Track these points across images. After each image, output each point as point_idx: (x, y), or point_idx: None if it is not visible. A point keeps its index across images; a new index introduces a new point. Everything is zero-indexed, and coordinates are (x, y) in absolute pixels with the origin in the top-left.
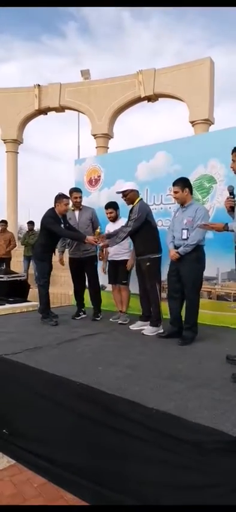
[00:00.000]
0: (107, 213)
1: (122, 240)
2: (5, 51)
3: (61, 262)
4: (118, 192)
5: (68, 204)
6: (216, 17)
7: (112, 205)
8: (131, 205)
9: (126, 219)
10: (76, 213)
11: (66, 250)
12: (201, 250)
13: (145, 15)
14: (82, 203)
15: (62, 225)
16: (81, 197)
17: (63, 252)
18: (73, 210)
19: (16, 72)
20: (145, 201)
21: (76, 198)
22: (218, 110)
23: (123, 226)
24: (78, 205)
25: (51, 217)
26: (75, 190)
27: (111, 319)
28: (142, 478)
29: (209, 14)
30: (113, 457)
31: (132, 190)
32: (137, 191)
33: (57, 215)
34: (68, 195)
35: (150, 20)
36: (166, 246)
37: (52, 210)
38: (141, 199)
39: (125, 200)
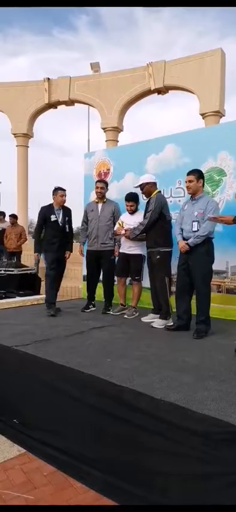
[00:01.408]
0: (127, 205)
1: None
2: (15, 45)
3: (81, 253)
4: (135, 187)
5: (63, 195)
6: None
7: (133, 198)
8: (148, 198)
9: (143, 212)
10: (100, 205)
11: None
12: (210, 243)
13: (157, 8)
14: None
15: (55, 217)
16: (103, 188)
17: (83, 243)
18: (96, 202)
19: (26, 66)
20: None
21: (97, 188)
22: (231, 102)
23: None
24: (99, 197)
25: (39, 212)
26: (98, 181)
27: (111, 312)
28: (150, 467)
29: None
30: (121, 446)
31: (147, 183)
32: (154, 183)
33: (49, 209)
34: (63, 188)
35: (162, 11)
36: (175, 239)
37: (49, 204)
38: (159, 191)
39: (142, 193)
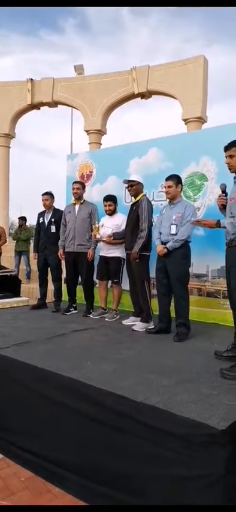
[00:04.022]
0: (106, 205)
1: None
2: (1, 46)
3: (61, 255)
4: (125, 181)
5: (46, 199)
6: (214, 15)
7: (111, 198)
8: (133, 199)
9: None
10: (77, 206)
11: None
12: (187, 247)
13: (145, 12)
14: None
15: (42, 219)
16: (78, 188)
17: (63, 245)
18: (74, 204)
19: (12, 67)
20: None
21: (73, 189)
22: (215, 108)
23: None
24: (76, 197)
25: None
26: (74, 182)
27: (91, 316)
28: (129, 470)
29: (207, 11)
30: (100, 450)
31: (139, 183)
32: (142, 185)
33: (41, 213)
34: (47, 192)
35: (149, 17)
36: (153, 243)
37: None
38: (145, 194)
39: (130, 191)
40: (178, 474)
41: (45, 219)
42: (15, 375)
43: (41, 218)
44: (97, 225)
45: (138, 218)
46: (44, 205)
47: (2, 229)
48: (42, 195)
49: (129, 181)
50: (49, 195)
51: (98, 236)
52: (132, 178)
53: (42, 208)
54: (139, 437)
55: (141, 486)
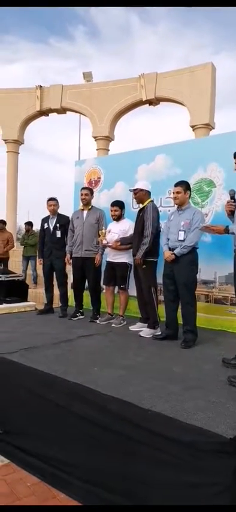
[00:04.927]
0: (112, 210)
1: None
2: (11, 52)
3: (68, 261)
4: (131, 190)
5: (51, 205)
6: (222, 21)
7: (118, 204)
8: (141, 205)
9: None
10: (85, 212)
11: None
12: (195, 253)
13: (154, 20)
14: None
15: (47, 225)
16: (87, 194)
17: (70, 251)
18: (82, 210)
19: (22, 74)
20: None
21: (82, 195)
22: (223, 115)
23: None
24: (84, 203)
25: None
26: (82, 188)
27: (97, 321)
28: (135, 477)
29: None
30: (107, 457)
31: (141, 190)
32: (148, 192)
33: (45, 218)
34: (53, 198)
35: (158, 25)
36: (161, 249)
37: (48, 214)
38: (152, 201)
39: (134, 198)
40: (185, 482)
41: (50, 225)
42: (22, 380)
43: (46, 224)
44: (103, 231)
45: (144, 224)
46: (51, 210)
47: (9, 234)
48: (49, 200)
49: (133, 189)
50: (55, 201)
51: (104, 242)
52: (136, 185)
53: (47, 214)
54: (145, 445)
55: (148, 493)
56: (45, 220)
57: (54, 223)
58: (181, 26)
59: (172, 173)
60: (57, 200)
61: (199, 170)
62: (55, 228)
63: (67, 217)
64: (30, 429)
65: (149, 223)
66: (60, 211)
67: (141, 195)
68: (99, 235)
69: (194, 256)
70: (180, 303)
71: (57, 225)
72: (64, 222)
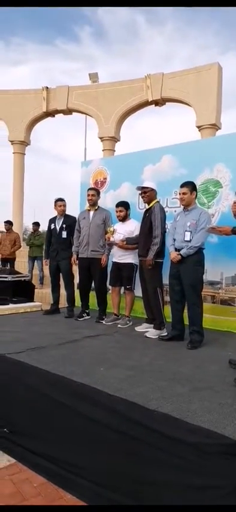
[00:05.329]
0: (117, 211)
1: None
2: (18, 54)
3: (74, 261)
4: (138, 188)
5: (60, 205)
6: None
7: (123, 204)
8: (147, 205)
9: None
10: (91, 213)
11: None
12: (201, 254)
13: (160, 20)
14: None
15: (54, 225)
16: (93, 195)
17: (77, 252)
18: (88, 210)
19: (29, 75)
20: None
21: (88, 195)
22: (230, 115)
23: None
24: (91, 204)
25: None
26: (89, 189)
27: (103, 322)
28: (142, 478)
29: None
30: (113, 457)
31: (152, 190)
32: (156, 192)
33: (52, 219)
34: (62, 199)
35: (165, 25)
36: (167, 250)
37: (55, 215)
38: (158, 201)
39: (143, 197)
40: (191, 483)
41: (57, 225)
42: (28, 380)
43: (53, 224)
44: (112, 228)
45: (151, 225)
46: (60, 211)
47: (16, 234)
48: (58, 200)
49: (143, 187)
50: (64, 201)
51: (112, 239)
52: (145, 184)
53: (55, 214)
54: (152, 446)
55: (154, 494)
56: (52, 220)
57: (60, 223)
58: (187, 26)
59: (178, 174)
60: (65, 201)
61: (205, 171)
62: (61, 228)
63: (74, 217)
64: (36, 429)
65: (158, 223)
66: (66, 211)
67: (151, 195)
68: (107, 232)
69: (201, 256)
70: (186, 304)
71: (64, 225)
72: (70, 222)
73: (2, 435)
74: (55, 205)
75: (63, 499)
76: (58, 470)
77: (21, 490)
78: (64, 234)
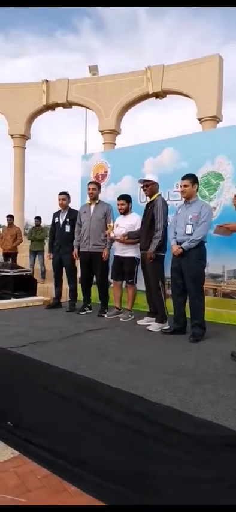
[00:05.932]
0: (118, 204)
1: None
2: (17, 46)
3: (76, 255)
4: (140, 181)
5: (60, 199)
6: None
7: (125, 197)
8: (148, 198)
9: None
10: (92, 206)
11: None
12: (203, 247)
13: (161, 11)
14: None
15: (57, 219)
16: (94, 189)
17: (78, 245)
18: (89, 204)
19: (28, 68)
20: None
21: (89, 189)
22: (231, 106)
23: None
24: (92, 198)
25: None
26: (90, 183)
27: (105, 315)
28: (144, 471)
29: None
30: (116, 450)
31: (154, 183)
32: (158, 185)
33: (56, 213)
34: (64, 192)
35: (165, 16)
36: (169, 243)
37: (59, 209)
38: (160, 194)
39: (145, 190)
40: (194, 476)
41: (60, 219)
42: (31, 373)
43: (56, 218)
44: (111, 224)
45: (153, 218)
46: (61, 204)
47: (18, 229)
48: (59, 194)
49: (145, 180)
50: (66, 195)
51: (112, 235)
52: (147, 178)
53: (58, 208)
54: (155, 438)
55: (156, 486)
56: (56, 214)
57: (64, 217)
58: (190, 16)
59: (179, 167)
60: (67, 194)
61: (206, 163)
62: (65, 222)
63: (78, 211)
64: (39, 422)
65: (160, 216)
66: (69, 205)
67: (153, 188)
68: (107, 228)
69: (202, 250)
70: (188, 297)
71: (67, 219)
72: (74, 217)
73: (5, 428)
74: (58, 199)
75: (67, 491)
76: (61, 462)
77: (26, 482)
78: (67, 228)
